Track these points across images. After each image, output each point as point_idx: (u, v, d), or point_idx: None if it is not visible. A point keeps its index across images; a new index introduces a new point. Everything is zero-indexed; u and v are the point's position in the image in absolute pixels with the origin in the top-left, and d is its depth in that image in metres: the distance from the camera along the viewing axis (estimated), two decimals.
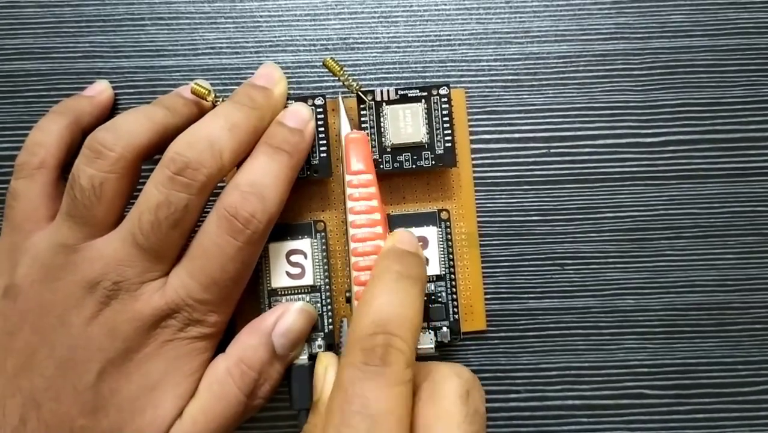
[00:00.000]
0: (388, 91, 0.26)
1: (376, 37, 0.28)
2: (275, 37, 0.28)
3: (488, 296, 0.27)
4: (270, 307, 0.25)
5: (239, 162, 0.24)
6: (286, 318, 0.24)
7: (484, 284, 0.27)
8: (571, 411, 0.27)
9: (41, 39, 0.28)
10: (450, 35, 0.28)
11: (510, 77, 0.28)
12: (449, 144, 0.26)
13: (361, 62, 0.28)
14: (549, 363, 0.27)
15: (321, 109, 0.26)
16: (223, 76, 0.28)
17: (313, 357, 0.25)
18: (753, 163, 0.28)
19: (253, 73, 0.28)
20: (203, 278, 0.22)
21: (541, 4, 0.28)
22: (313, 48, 0.28)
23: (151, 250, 0.22)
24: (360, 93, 0.26)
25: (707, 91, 0.28)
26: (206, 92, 0.25)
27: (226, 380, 0.23)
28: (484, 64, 0.28)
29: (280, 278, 0.25)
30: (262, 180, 0.23)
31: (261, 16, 0.28)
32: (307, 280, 0.25)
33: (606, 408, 0.27)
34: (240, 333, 0.24)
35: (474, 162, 0.27)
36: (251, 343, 0.23)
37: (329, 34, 0.28)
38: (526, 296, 0.27)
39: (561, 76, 0.28)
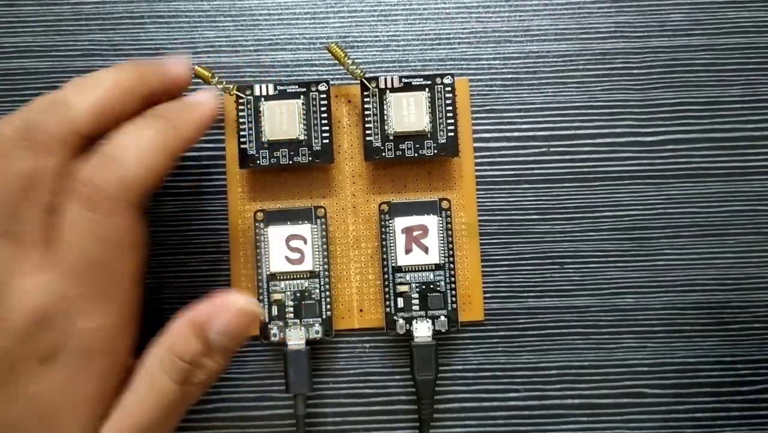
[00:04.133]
0: (392, 78, 0.26)
1: (376, 36, 0.28)
2: (274, 35, 0.28)
3: (488, 295, 0.27)
4: (268, 292, 0.26)
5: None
6: (223, 318, 0.21)
7: (484, 282, 0.27)
8: (571, 410, 0.27)
9: (40, 37, 0.27)
10: (449, 33, 0.28)
11: (510, 76, 0.28)
12: (452, 134, 0.26)
13: (360, 60, 0.28)
14: (548, 362, 0.27)
15: (324, 95, 0.26)
16: (222, 75, 0.28)
17: (310, 342, 0.26)
18: (752, 162, 0.28)
19: (252, 72, 0.28)
20: (66, 267, 0.19)
21: (541, 3, 0.28)
22: (312, 46, 0.28)
23: (9, 233, 0.19)
24: (364, 80, 0.26)
25: (706, 90, 0.28)
26: (209, 75, 0.25)
27: (157, 370, 0.21)
28: (484, 62, 0.28)
29: (279, 263, 0.25)
30: (127, 144, 0.20)
31: (260, 15, 0.28)
32: (307, 265, 0.25)
33: (605, 407, 0.27)
34: (176, 319, 0.22)
35: (474, 159, 0.27)
36: (184, 333, 0.21)
37: (329, 32, 0.28)
38: (525, 294, 0.27)
39: (560, 74, 0.28)
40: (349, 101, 0.27)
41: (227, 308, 0.22)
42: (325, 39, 0.28)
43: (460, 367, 0.27)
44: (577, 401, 0.27)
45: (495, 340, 0.27)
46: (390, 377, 0.27)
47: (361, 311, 0.27)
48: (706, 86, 0.28)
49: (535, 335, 0.27)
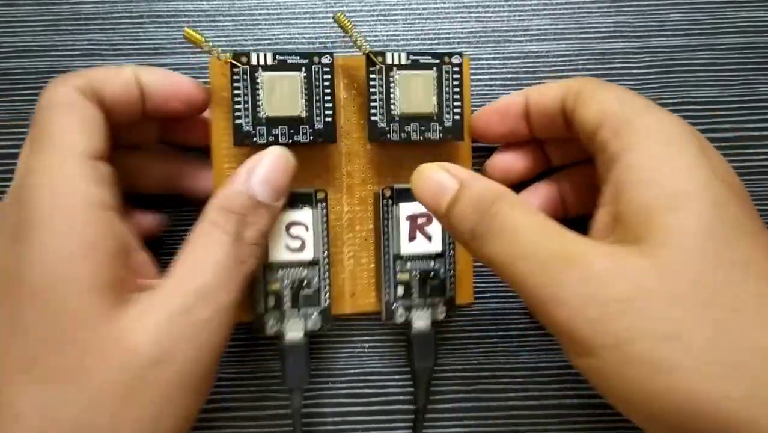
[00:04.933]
0: (399, 55, 0.24)
1: (375, 36, 0.28)
2: (274, 35, 0.28)
3: (487, 294, 0.27)
4: (265, 282, 0.24)
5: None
6: (262, 165, 0.22)
7: (484, 281, 0.27)
8: (570, 410, 0.27)
9: (40, 37, 0.27)
10: (449, 34, 0.28)
11: (509, 75, 0.28)
12: (458, 117, 0.25)
13: None
14: (548, 362, 0.27)
15: (328, 69, 0.24)
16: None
17: (309, 334, 0.24)
18: (751, 162, 0.28)
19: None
20: None
21: (540, 3, 0.28)
22: (311, 46, 0.28)
23: None
24: (370, 54, 0.24)
25: (705, 90, 0.28)
26: (201, 40, 0.23)
27: (209, 228, 0.21)
28: (484, 62, 0.28)
29: (279, 252, 0.24)
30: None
31: (260, 14, 0.28)
32: (308, 254, 0.24)
33: (605, 407, 0.27)
34: (218, 189, 0.23)
35: (473, 160, 0.27)
36: (231, 191, 0.22)
37: (328, 32, 0.28)
38: None
39: (560, 74, 0.28)
40: (353, 74, 0.26)
41: (262, 157, 0.22)
42: (324, 39, 0.28)
43: (460, 366, 0.27)
44: (576, 401, 0.27)
45: (494, 340, 0.27)
46: (389, 376, 0.27)
47: (352, 295, 0.26)
48: (705, 86, 0.28)
49: (535, 335, 0.27)
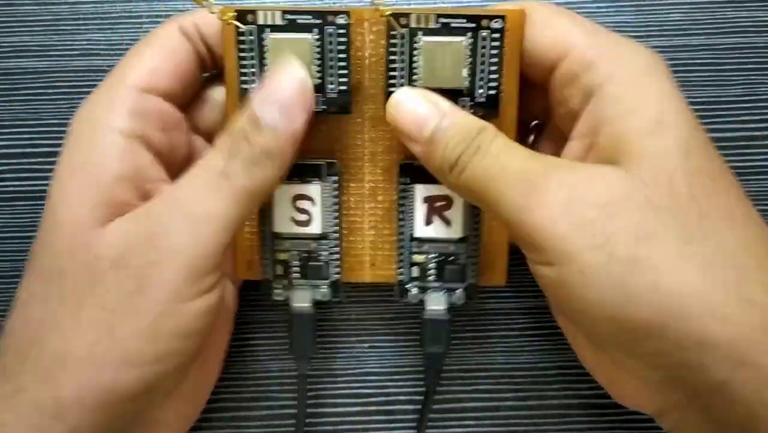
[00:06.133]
0: (427, 17, 0.21)
1: None
2: None
3: (486, 295, 0.27)
4: (273, 249, 0.24)
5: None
6: (267, 83, 0.21)
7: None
8: (570, 410, 0.27)
9: (38, 37, 0.27)
10: None
11: None
12: (493, 92, 0.22)
13: None
14: (548, 362, 0.27)
15: (344, 31, 0.21)
16: None
17: (318, 303, 0.24)
18: (751, 162, 0.28)
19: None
20: None
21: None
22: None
23: None
24: (391, 18, 0.21)
25: (705, 90, 0.28)
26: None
27: (207, 150, 0.22)
28: None
29: (283, 223, 0.24)
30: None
31: None
32: (315, 228, 0.23)
33: (605, 407, 0.27)
34: None
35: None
36: (240, 113, 0.21)
37: None
38: (524, 294, 0.27)
39: None
40: (381, 30, 0.22)
41: (271, 75, 0.21)
42: None
43: (459, 367, 0.27)
44: (576, 401, 0.27)
45: (494, 340, 0.27)
46: (389, 376, 0.27)
47: (373, 265, 0.25)
48: (705, 86, 0.28)
49: (535, 335, 0.27)
